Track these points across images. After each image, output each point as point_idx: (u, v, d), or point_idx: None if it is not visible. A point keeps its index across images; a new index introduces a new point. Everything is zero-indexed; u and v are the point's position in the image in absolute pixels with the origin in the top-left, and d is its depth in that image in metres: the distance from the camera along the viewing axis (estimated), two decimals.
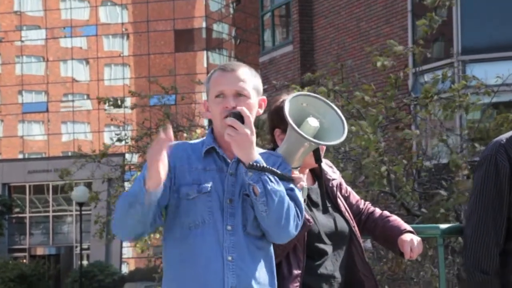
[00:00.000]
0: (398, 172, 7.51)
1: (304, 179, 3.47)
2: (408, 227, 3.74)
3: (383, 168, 7.40)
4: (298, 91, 7.39)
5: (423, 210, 7.91)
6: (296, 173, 3.42)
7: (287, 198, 3.18)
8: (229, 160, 3.26)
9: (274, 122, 3.68)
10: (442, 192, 7.77)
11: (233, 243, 3.17)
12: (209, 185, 3.21)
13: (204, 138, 3.36)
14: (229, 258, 3.17)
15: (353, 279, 3.67)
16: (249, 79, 3.29)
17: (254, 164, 3.14)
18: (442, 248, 4.03)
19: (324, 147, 3.63)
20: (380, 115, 7.83)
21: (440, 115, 7.79)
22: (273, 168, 3.19)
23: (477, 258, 3.50)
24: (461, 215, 7.57)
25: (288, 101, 3.34)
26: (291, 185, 3.24)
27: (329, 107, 3.43)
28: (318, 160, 3.52)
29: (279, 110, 3.59)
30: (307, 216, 3.47)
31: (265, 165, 3.16)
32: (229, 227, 3.18)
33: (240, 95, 3.24)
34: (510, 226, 3.53)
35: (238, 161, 3.21)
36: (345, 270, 3.64)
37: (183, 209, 3.21)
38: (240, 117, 3.16)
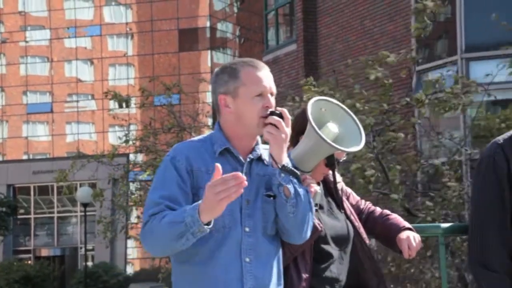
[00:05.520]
0: (394, 177, 7.52)
1: (315, 183, 3.46)
2: (407, 224, 3.71)
3: (369, 173, 7.42)
4: (311, 87, 7.47)
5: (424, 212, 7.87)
6: (309, 178, 3.40)
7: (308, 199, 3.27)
8: (243, 161, 3.28)
9: (300, 127, 3.54)
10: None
11: (251, 245, 3.21)
12: None
13: (208, 135, 3.33)
14: (247, 259, 3.20)
15: (360, 279, 3.63)
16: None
17: (286, 165, 3.20)
18: (444, 247, 4.00)
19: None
20: (369, 119, 7.87)
21: (434, 113, 7.81)
22: (297, 171, 3.23)
23: (483, 257, 3.44)
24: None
25: (310, 104, 3.33)
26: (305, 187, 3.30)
27: (347, 115, 3.43)
28: (332, 165, 3.50)
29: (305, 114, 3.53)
30: (317, 221, 3.46)
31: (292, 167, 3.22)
32: (247, 229, 3.22)
33: (271, 94, 3.29)
34: None
35: (251, 161, 3.27)
36: (352, 272, 3.60)
37: None
38: (280, 118, 3.22)
